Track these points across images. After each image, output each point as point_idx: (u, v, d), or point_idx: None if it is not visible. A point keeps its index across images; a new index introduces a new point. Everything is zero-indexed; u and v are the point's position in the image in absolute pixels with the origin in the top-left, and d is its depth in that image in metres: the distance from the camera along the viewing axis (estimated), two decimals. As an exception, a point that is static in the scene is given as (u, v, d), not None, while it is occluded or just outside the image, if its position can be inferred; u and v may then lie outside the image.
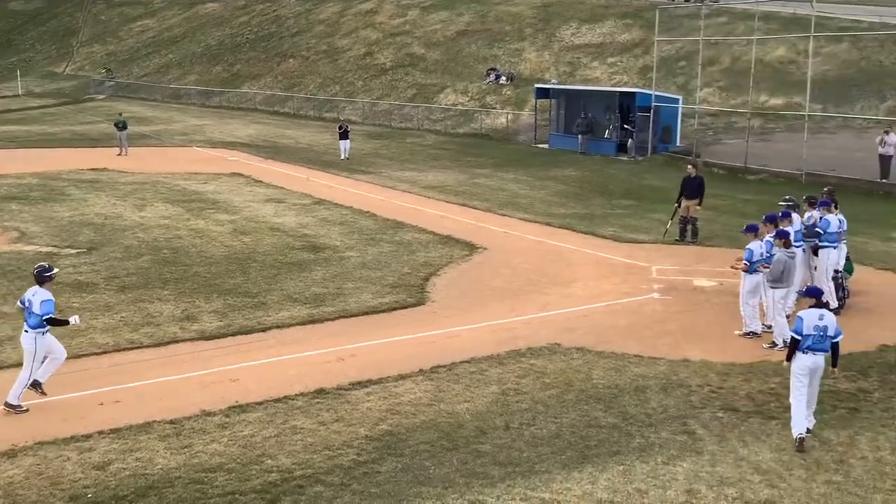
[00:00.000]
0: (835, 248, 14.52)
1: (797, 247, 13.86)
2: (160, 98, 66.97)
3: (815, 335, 9.59)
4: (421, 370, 11.80)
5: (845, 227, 14.95)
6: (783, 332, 12.53)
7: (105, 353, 12.51)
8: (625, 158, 34.63)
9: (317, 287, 16.08)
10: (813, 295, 9.92)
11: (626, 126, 35.33)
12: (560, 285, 16.42)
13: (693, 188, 19.93)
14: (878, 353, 12.50)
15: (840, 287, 14.76)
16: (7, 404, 10.47)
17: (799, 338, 9.61)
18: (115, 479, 8.80)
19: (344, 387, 11.25)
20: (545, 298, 15.51)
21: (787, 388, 10.87)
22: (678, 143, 35.17)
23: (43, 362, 10.61)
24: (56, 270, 11.00)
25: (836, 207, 15.00)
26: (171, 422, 10.19)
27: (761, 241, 13.12)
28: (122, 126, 36.63)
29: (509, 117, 44.56)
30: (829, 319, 9.69)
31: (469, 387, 11.19)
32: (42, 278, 10.65)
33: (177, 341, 13.00)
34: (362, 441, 9.67)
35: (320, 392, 11.09)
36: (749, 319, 13.33)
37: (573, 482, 8.67)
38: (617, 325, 13.98)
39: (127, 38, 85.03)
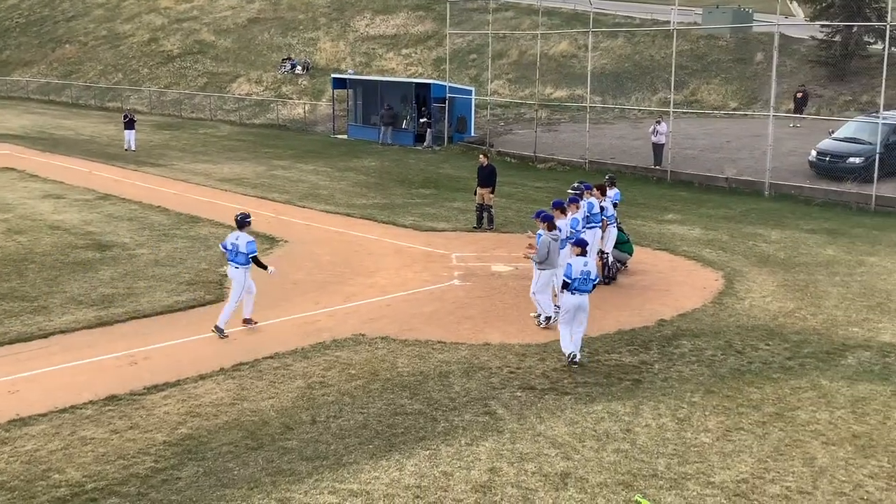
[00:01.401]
0: (598, 227, 15.66)
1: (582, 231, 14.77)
2: (-86, 86, 60.26)
3: (580, 278, 11.62)
4: (222, 369, 11.45)
5: (612, 212, 16.09)
6: (545, 309, 13.44)
7: None
8: (422, 148, 35.23)
9: (105, 288, 15.15)
10: (579, 244, 11.96)
11: (422, 117, 35.95)
12: (363, 276, 16.46)
13: (485, 177, 20.61)
14: (656, 327, 13.54)
15: (605, 266, 15.89)
16: (216, 327, 12.84)
17: (569, 280, 11.64)
18: None
19: (138, 392, 10.68)
20: (349, 289, 15.51)
21: (579, 364, 11.71)
22: (473, 133, 36.24)
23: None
24: (253, 217, 13.61)
25: (603, 194, 16.08)
26: (-60, 443, 9.23)
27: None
28: None
29: (306, 108, 44.02)
30: (591, 264, 11.79)
31: (273, 383, 10.99)
32: (243, 223, 13.05)
33: (-57, 354, 11.78)
34: (160, 447, 9.23)
35: (112, 399, 10.45)
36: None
37: (381, 471, 8.73)
38: (420, 312, 14.23)
39: None
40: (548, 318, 13.68)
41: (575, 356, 11.73)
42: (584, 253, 11.85)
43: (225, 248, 13.22)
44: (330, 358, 11.95)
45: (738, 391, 10.90)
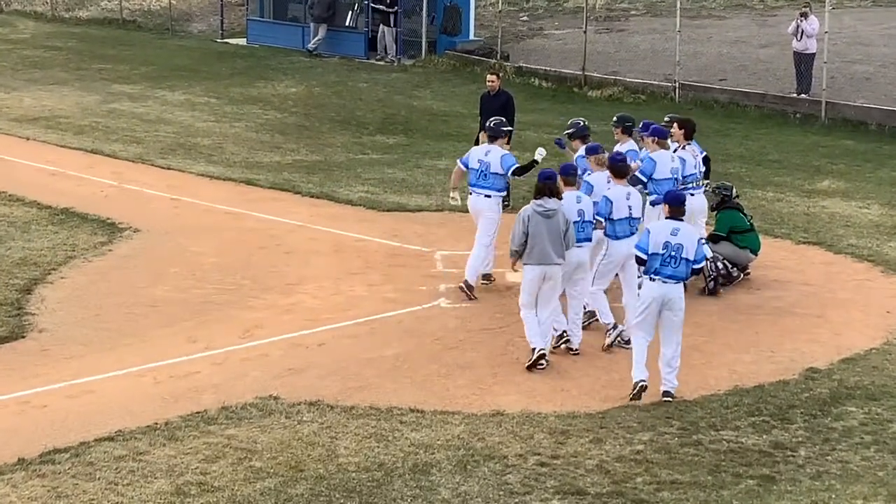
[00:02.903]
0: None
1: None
2: None
3: (663, 255, 12.76)
4: (21, 460, 11.39)
5: (692, 171, 16.23)
6: (533, 335, 13.94)
7: None
8: (382, 63, 35.10)
9: None
10: (669, 201, 13.21)
11: (380, 6, 35.78)
12: (277, 292, 16.45)
13: (494, 113, 20.47)
14: (802, 382, 13.54)
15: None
16: (465, 283, 16.10)
17: (644, 256, 12.91)
18: None
19: None
20: (250, 316, 15.51)
21: (663, 448, 11.77)
22: (472, 36, 36.10)
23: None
24: (511, 128, 17.02)
25: (688, 137, 16.45)
26: None
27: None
28: None
29: (174, -10, 43.84)
30: (688, 236, 12.89)
31: (115, 485, 10.94)
32: (498, 132, 16.48)
33: None
34: None
35: None
36: (599, 309, 14.58)
37: None
38: (379, 357, 14.20)
39: None
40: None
41: (669, 392, 12.99)
42: (678, 214, 13.09)
43: (466, 165, 16.38)
44: (217, 439, 11.89)
45: (949, 496, 10.92)
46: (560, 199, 13.80)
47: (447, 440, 11.94)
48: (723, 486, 11.04)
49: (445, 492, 10.90)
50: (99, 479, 11.07)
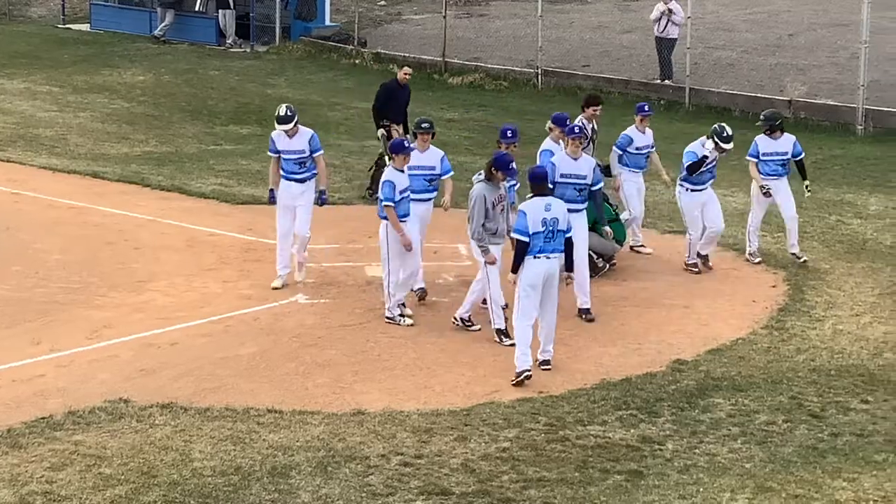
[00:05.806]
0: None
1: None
2: None
3: (543, 232, 13.36)
4: None
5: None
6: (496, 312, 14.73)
7: None
8: (236, 49, 34.86)
9: None
10: (533, 179, 13.68)
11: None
12: (126, 290, 16.28)
13: (403, 106, 20.67)
14: (670, 375, 13.75)
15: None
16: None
17: (525, 239, 13.29)
18: None
19: None
20: (98, 315, 15.36)
21: (530, 445, 11.83)
22: (328, 22, 36.03)
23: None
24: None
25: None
26: None
27: None
28: None
29: (11, -28, 43.10)
30: (559, 209, 13.59)
31: (-46, 497, 10.75)
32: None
33: None
34: None
35: None
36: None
37: None
38: (235, 356, 14.14)
39: None
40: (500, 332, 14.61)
41: (548, 361, 13.76)
42: (543, 190, 13.65)
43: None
44: (63, 445, 11.73)
45: (816, 486, 11.14)
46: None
47: (307, 441, 11.92)
48: (590, 483, 11.16)
49: (305, 495, 10.88)
50: (-65, 490, 10.88)
